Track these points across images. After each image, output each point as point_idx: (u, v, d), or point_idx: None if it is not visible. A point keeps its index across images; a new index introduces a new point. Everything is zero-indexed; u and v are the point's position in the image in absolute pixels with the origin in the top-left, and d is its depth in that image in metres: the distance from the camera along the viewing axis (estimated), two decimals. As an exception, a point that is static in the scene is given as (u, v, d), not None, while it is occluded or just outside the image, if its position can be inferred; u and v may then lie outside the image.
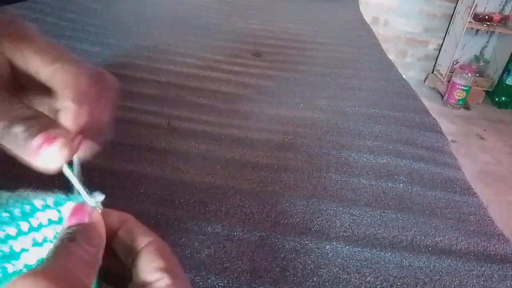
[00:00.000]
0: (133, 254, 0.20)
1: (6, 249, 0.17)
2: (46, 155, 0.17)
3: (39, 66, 0.19)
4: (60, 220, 0.19)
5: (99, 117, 0.20)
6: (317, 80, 0.87)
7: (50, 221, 0.19)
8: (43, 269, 0.16)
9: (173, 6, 1.34)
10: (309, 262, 0.40)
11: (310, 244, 0.43)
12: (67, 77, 0.19)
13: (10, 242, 0.18)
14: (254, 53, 0.99)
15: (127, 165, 0.51)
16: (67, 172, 0.19)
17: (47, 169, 0.18)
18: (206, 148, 0.57)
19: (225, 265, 0.39)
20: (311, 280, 0.38)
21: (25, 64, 0.19)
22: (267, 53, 1.01)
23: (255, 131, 0.64)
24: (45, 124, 0.17)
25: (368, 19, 1.80)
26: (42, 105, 0.21)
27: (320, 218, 0.47)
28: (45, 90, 0.20)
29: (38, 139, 0.17)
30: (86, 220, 0.19)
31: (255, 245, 0.41)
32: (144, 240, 0.20)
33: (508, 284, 0.41)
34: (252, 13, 1.39)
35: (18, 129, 0.17)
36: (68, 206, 0.19)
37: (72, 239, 0.18)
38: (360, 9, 1.76)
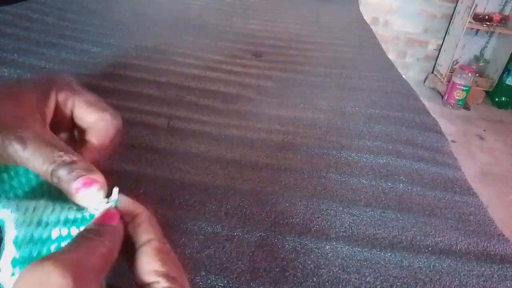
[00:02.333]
0: (133, 250, 0.21)
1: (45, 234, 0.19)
2: (85, 195, 0.21)
3: (85, 114, 0.26)
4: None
5: (112, 152, 0.27)
6: (317, 80, 0.87)
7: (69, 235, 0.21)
8: (62, 255, 0.17)
9: (173, 6, 1.34)
10: (309, 262, 0.40)
11: (310, 244, 0.43)
12: (103, 126, 0.26)
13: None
14: (254, 54, 0.99)
15: (127, 165, 0.51)
16: None
17: (86, 205, 0.21)
18: (206, 148, 0.57)
19: (225, 265, 0.39)
20: (311, 280, 0.38)
21: (75, 110, 0.26)
22: (267, 54, 1.01)
23: (255, 131, 0.64)
24: (84, 169, 0.22)
25: (368, 19, 1.81)
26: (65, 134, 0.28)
27: (320, 218, 0.47)
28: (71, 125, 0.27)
29: (78, 183, 0.21)
30: (115, 223, 0.21)
31: (255, 245, 0.41)
32: (143, 238, 0.21)
33: (508, 284, 0.41)
34: (252, 13, 1.39)
35: (62, 172, 0.21)
36: (99, 209, 0.21)
37: (98, 233, 0.19)
38: (360, 9, 1.76)
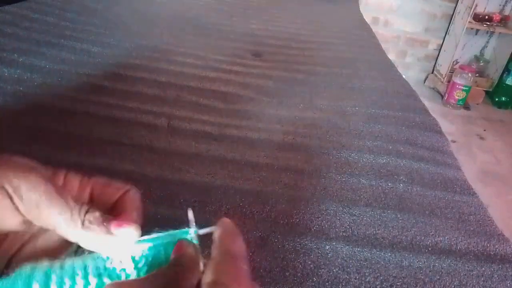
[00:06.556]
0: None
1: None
2: (125, 232, 0.22)
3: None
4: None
5: None
6: (317, 80, 0.87)
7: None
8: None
9: (173, 6, 1.34)
10: (309, 262, 0.40)
11: (310, 244, 0.43)
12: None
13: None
14: (254, 53, 0.99)
15: (127, 165, 0.51)
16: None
17: (125, 242, 0.23)
18: (206, 148, 0.57)
19: (225, 265, 0.39)
20: (311, 280, 0.38)
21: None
22: (267, 53, 1.01)
23: (255, 131, 0.64)
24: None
25: (368, 19, 1.80)
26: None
27: (320, 218, 0.47)
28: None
29: (116, 222, 0.22)
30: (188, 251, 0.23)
31: (255, 245, 0.41)
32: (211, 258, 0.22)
33: (508, 284, 0.41)
34: (252, 13, 1.39)
35: (96, 214, 0.22)
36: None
37: (179, 264, 0.22)
38: (360, 9, 1.76)
